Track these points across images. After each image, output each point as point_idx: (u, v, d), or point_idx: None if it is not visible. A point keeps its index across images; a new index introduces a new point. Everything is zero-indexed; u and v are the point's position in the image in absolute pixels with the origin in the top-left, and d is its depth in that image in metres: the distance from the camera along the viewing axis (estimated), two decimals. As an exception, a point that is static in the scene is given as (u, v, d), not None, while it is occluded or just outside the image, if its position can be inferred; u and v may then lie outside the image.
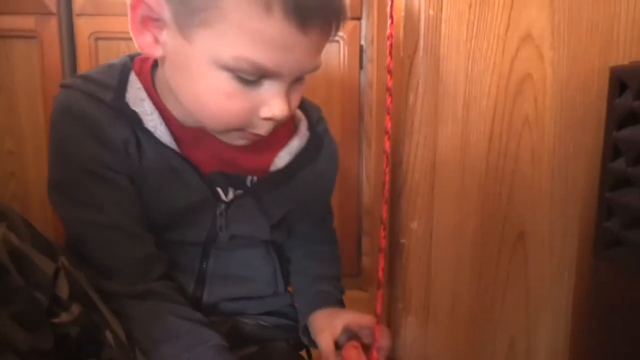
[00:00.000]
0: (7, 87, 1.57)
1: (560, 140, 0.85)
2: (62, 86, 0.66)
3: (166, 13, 0.57)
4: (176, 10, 0.56)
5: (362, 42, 1.66)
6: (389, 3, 0.84)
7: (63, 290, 0.56)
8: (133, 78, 0.67)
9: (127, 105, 0.64)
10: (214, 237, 0.75)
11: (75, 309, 0.57)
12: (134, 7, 0.58)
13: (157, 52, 0.61)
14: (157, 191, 0.69)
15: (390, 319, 0.91)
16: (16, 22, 1.55)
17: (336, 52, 1.65)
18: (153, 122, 0.65)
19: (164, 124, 0.65)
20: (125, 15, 0.59)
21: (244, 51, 0.55)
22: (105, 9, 1.54)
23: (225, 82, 0.57)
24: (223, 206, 0.72)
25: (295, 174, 0.74)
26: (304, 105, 0.78)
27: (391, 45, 0.91)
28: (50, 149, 0.67)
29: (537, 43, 0.84)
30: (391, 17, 0.93)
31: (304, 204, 0.81)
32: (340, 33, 1.70)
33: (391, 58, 0.86)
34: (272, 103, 0.59)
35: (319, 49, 0.60)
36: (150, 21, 0.59)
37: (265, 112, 0.60)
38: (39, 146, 1.59)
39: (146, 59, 0.70)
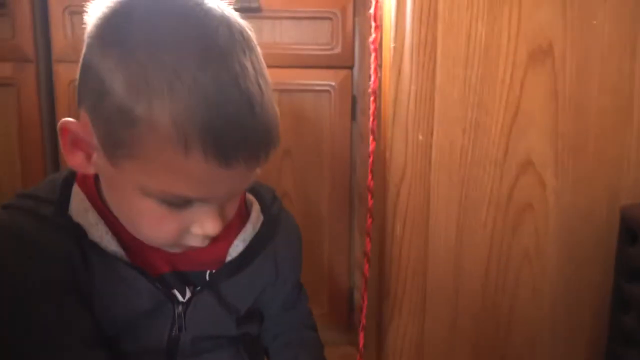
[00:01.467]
0: (-16, 134, 1.51)
1: (563, 276, 0.77)
2: (2, 207, 0.65)
3: (94, 139, 0.57)
4: (102, 140, 0.56)
5: (354, 93, 1.56)
6: (370, 119, 0.76)
7: None
8: (76, 189, 0.66)
9: (70, 218, 0.63)
10: (176, 341, 0.70)
11: None
12: (62, 133, 0.59)
13: (90, 170, 0.62)
14: (108, 302, 0.65)
15: None
16: (-7, 69, 1.49)
17: (327, 103, 1.55)
18: (99, 232, 0.63)
19: (110, 232, 0.64)
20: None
21: (168, 186, 0.55)
22: (86, 55, 1.47)
23: (154, 207, 0.57)
24: (181, 307, 0.68)
25: (251, 261, 0.71)
26: (255, 189, 0.75)
27: (372, 162, 0.83)
28: None
29: (538, 170, 0.75)
30: (372, 132, 0.85)
31: (269, 289, 0.75)
32: (332, 82, 1.62)
33: (372, 176, 0.79)
34: (204, 222, 0.59)
35: (248, 178, 0.59)
36: (80, 142, 0.59)
37: (197, 230, 0.60)
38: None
39: None
